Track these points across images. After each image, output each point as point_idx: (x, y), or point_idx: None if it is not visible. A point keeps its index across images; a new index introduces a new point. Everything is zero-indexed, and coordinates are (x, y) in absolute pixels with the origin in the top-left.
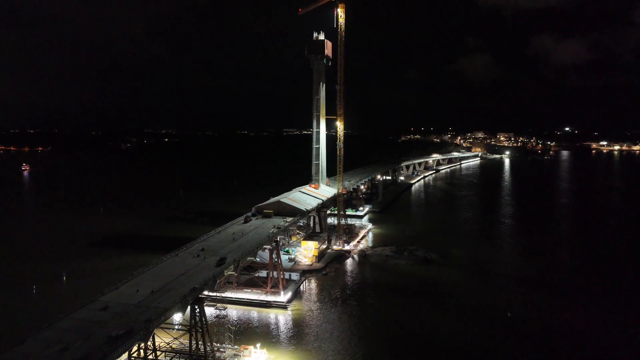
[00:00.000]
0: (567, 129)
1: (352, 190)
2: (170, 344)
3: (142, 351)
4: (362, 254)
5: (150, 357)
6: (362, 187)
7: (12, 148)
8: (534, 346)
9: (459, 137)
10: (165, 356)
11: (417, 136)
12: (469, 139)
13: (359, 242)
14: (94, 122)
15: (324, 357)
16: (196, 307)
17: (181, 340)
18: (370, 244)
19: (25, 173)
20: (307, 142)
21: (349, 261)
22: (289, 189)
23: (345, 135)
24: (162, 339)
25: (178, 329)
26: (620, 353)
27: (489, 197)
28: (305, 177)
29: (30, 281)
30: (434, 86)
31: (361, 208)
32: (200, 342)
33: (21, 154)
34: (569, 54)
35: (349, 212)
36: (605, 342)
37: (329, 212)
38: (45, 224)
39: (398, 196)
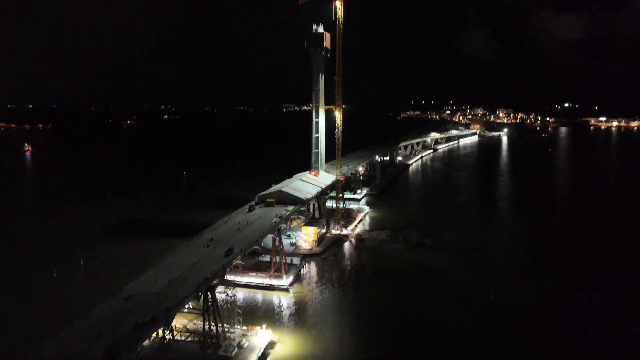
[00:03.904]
0: (566, 104)
1: (350, 175)
2: (185, 326)
3: (161, 332)
4: (359, 238)
5: (168, 336)
6: (360, 168)
7: (12, 125)
8: (514, 327)
9: (458, 114)
10: (181, 336)
11: (417, 112)
12: (468, 115)
13: (356, 226)
14: (90, 96)
15: (323, 336)
16: (208, 293)
17: (195, 322)
18: (367, 228)
19: (28, 154)
20: (306, 118)
21: (346, 245)
22: (288, 170)
23: (344, 112)
24: (178, 321)
25: (192, 311)
26: (603, 336)
27: (484, 179)
28: (304, 157)
29: (49, 266)
30: (434, 61)
31: (359, 191)
32: (212, 324)
33: (22, 131)
34: (569, 29)
35: (347, 195)
36: (590, 325)
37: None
38: (54, 210)
39: (395, 178)
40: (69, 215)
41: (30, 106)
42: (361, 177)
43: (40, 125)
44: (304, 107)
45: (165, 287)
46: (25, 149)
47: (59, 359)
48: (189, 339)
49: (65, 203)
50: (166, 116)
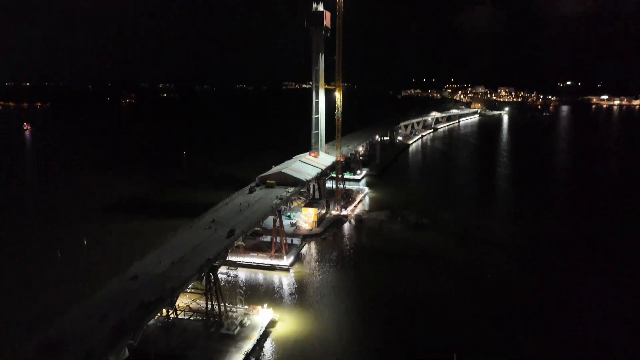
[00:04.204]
0: (568, 82)
1: (350, 155)
2: (188, 305)
3: (165, 311)
4: (359, 218)
5: (172, 316)
6: (360, 149)
7: (10, 104)
8: (507, 305)
9: (460, 92)
10: (184, 315)
11: (418, 91)
12: (470, 94)
13: (355, 206)
14: (87, 73)
15: (323, 315)
16: (211, 274)
17: (198, 301)
18: (366, 209)
19: (27, 133)
20: (307, 97)
21: (346, 226)
22: (288, 150)
23: (345, 90)
24: (181, 301)
25: (195, 291)
26: (590, 314)
27: (483, 159)
28: (304, 135)
29: (54, 246)
30: (435, 38)
31: (359, 172)
32: (215, 304)
33: (20, 110)
34: (574, 4)
35: (347, 175)
36: (580, 305)
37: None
38: (54, 189)
39: (395, 158)
40: (70, 194)
41: (28, 84)
42: (361, 158)
43: (39, 104)
44: (304, 85)
45: (169, 267)
46: (25, 128)
47: (68, 335)
48: (192, 317)
49: (66, 182)
50: (165, 95)
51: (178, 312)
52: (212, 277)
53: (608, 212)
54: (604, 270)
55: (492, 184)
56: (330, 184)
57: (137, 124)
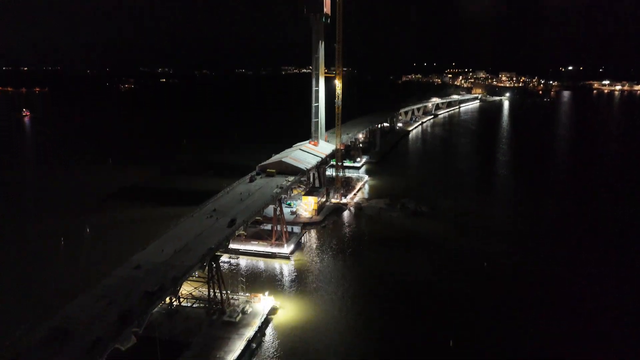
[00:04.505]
0: (570, 67)
1: (349, 143)
2: (191, 293)
3: (168, 299)
4: (358, 206)
5: (175, 303)
6: (360, 136)
7: (9, 89)
8: (505, 292)
9: (460, 77)
10: (187, 302)
11: (418, 76)
12: (470, 79)
13: (355, 194)
14: (85, 58)
15: (323, 302)
16: (213, 263)
17: (200, 289)
18: (366, 196)
19: (27, 119)
20: (306, 81)
21: (346, 213)
22: (288, 137)
23: (345, 75)
24: (184, 288)
25: (197, 279)
26: (590, 304)
27: (483, 146)
28: (304, 122)
29: (57, 235)
30: (436, 23)
31: (358, 159)
32: (217, 291)
33: (19, 95)
34: None
35: (347, 163)
36: (580, 294)
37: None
38: (57, 177)
39: (395, 145)
40: (71, 182)
41: (26, 68)
42: (361, 145)
43: (37, 89)
44: (304, 70)
45: (171, 256)
46: (24, 114)
47: (74, 324)
48: (195, 305)
49: (66, 171)
50: (164, 80)
51: (181, 299)
52: (214, 265)
53: (609, 198)
54: (605, 258)
55: (492, 171)
56: (330, 172)
57: (136, 111)
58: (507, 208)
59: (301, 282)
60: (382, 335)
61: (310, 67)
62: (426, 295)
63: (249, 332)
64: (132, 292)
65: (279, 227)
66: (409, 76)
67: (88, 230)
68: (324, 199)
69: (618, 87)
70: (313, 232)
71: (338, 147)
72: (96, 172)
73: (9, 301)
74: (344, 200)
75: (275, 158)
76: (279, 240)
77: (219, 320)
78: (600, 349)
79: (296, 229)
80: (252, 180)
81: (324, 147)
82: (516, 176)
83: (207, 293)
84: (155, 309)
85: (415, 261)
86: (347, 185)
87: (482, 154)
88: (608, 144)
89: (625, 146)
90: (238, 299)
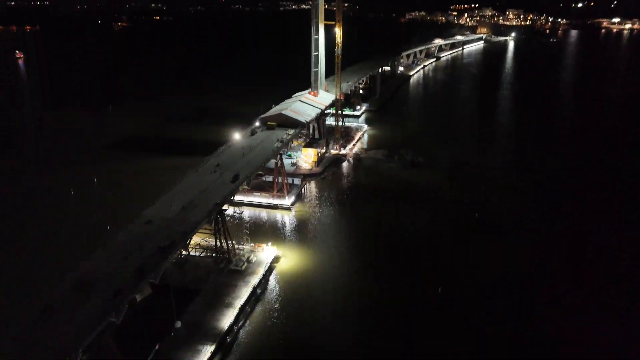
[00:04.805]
0: (580, 5)
1: (349, 91)
2: (199, 243)
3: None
4: (357, 157)
5: (185, 253)
6: (360, 83)
7: None
8: (494, 243)
9: (466, 15)
10: (195, 251)
11: (422, 13)
12: (476, 17)
13: (354, 145)
14: None
15: (322, 251)
16: (219, 217)
17: (207, 239)
18: (365, 147)
19: (20, 62)
20: (306, 19)
21: (345, 165)
22: (286, 84)
23: (346, 14)
24: (192, 239)
25: (204, 231)
26: (582, 258)
27: (485, 92)
28: (303, 73)
29: (66, 186)
30: None
31: (358, 107)
32: (223, 242)
33: (9, 34)
34: None
35: (347, 111)
36: (568, 241)
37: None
38: (59, 124)
39: (396, 90)
40: (74, 131)
41: (13, 3)
42: (361, 92)
43: (28, 27)
44: (303, 6)
45: (179, 212)
46: (17, 56)
47: (96, 276)
48: (203, 254)
49: (67, 118)
50: (157, 17)
51: (190, 249)
52: (220, 219)
53: (612, 148)
54: (603, 208)
55: (493, 119)
56: (329, 121)
57: (133, 51)
58: (505, 158)
59: (302, 232)
60: (377, 279)
61: (310, 2)
62: (418, 244)
63: (254, 280)
64: (145, 247)
65: (280, 179)
66: (413, 14)
67: (95, 180)
68: (323, 150)
69: (628, 26)
70: (313, 184)
71: (338, 97)
72: (97, 119)
73: (31, 253)
74: (343, 152)
75: (275, 110)
76: (280, 192)
77: (226, 268)
78: (587, 292)
79: (297, 181)
80: (253, 133)
81: (323, 97)
82: (517, 123)
83: (214, 243)
84: None
85: (410, 212)
86: (346, 135)
87: (484, 101)
88: (615, 89)
89: (634, 85)
90: (243, 249)
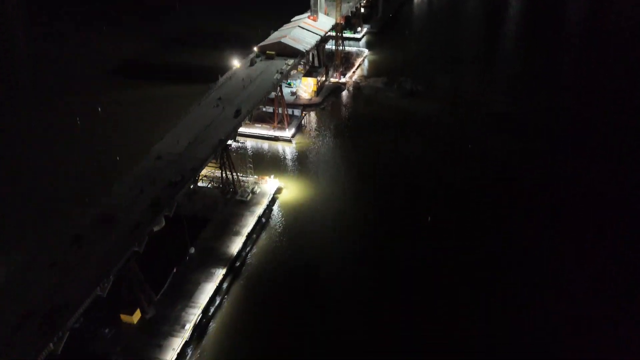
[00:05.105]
0: None
1: (350, 14)
2: (206, 175)
3: None
4: (357, 85)
5: (192, 185)
6: (362, 1)
7: None
8: (484, 171)
9: None
10: (202, 182)
11: None
12: None
13: (354, 72)
14: None
15: (322, 181)
16: (224, 152)
17: (214, 171)
18: (365, 74)
19: None
20: None
21: (344, 94)
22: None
23: None
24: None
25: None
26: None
27: (494, 11)
28: None
29: (71, 114)
30: None
31: (359, 29)
32: (228, 175)
33: None
34: None
35: (347, 34)
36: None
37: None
38: (50, 48)
39: (400, 7)
40: (71, 54)
41: None
42: (362, 11)
43: None
44: None
45: (186, 148)
46: None
47: (116, 209)
48: (210, 185)
49: (61, 39)
50: None
51: (197, 180)
52: (225, 153)
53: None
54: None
55: (498, 43)
56: (330, 45)
57: None
58: (504, 86)
59: (302, 163)
60: (373, 206)
61: None
62: (416, 173)
63: (259, 210)
64: (157, 182)
65: (280, 111)
66: None
67: (99, 109)
68: (323, 79)
69: None
70: (312, 114)
71: (338, 21)
72: (94, 41)
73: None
74: (342, 80)
75: (273, 37)
76: (281, 123)
77: (233, 199)
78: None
79: (296, 112)
80: (252, 63)
81: (323, 22)
82: (524, 48)
83: (219, 175)
84: None
85: (407, 143)
86: (346, 61)
87: (491, 22)
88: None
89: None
90: (248, 181)
